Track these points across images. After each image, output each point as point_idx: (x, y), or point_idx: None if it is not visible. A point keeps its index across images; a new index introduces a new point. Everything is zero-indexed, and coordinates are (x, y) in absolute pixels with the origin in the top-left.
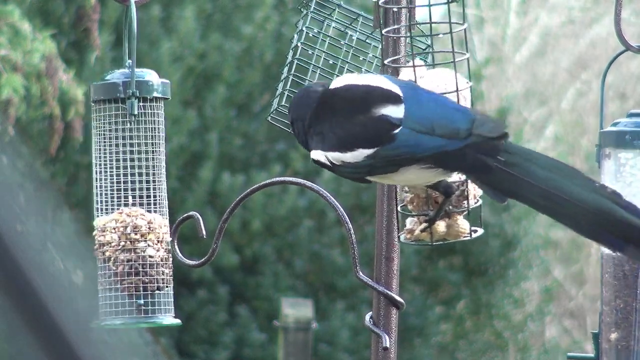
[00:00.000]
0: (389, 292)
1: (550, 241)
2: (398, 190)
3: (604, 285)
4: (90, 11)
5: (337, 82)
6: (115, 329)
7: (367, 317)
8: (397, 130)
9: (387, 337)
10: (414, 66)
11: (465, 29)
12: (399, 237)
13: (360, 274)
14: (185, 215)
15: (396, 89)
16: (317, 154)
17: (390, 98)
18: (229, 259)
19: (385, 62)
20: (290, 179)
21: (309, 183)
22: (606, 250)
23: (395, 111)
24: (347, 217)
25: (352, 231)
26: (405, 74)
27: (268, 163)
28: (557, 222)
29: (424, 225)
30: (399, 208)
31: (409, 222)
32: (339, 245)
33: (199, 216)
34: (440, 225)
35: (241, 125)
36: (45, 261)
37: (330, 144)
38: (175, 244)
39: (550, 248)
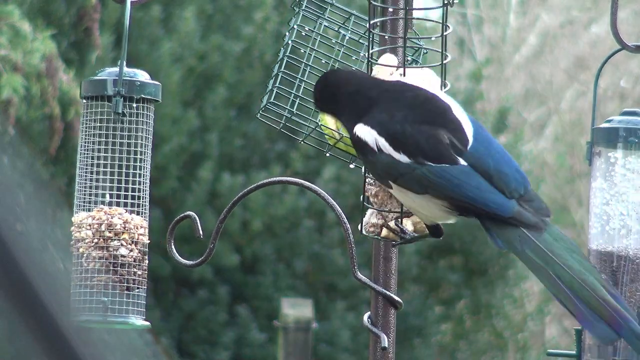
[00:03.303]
0: (387, 292)
1: None
2: (366, 182)
3: None
4: (91, 11)
5: (417, 77)
6: (115, 329)
7: (366, 317)
8: (452, 161)
9: (385, 337)
10: (404, 66)
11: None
12: (361, 229)
13: (359, 274)
14: (182, 215)
15: (468, 123)
16: (364, 131)
17: (460, 130)
18: (229, 259)
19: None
20: (290, 179)
21: (307, 183)
22: (593, 246)
23: (460, 143)
24: (345, 217)
25: (350, 231)
26: (384, 71)
27: (268, 163)
28: (545, 287)
29: (393, 234)
30: (363, 200)
31: (370, 214)
32: (339, 246)
33: (196, 216)
34: (408, 224)
35: (241, 125)
36: (46, 261)
37: (391, 133)
38: (172, 244)
39: None
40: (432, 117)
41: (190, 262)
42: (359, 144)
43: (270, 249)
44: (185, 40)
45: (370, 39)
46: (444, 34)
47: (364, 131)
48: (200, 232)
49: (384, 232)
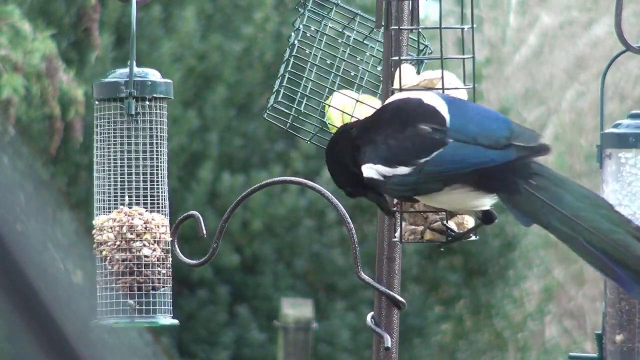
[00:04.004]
0: (391, 292)
1: (550, 241)
2: None
3: (608, 287)
4: (91, 11)
5: (393, 97)
6: (115, 329)
7: (369, 317)
8: (440, 144)
9: (389, 337)
10: (418, 59)
11: (463, 31)
12: (400, 237)
13: (362, 274)
14: (186, 214)
15: (441, 103)
16: (367, 169)
17: (436, 112)
18: (229, 259)
19: (391, 59)
20: (292, 178)
21: (311, 183)
22: None
23: (439, 126)
24: (348, 217)
25: (353, 231)
26: (407, 71)
27: (268, 163)
28: (576, 254)
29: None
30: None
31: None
32: (339, 245)
33: (199, 215)
34: (451, 224)
35: (241, 125)
36: (46, 261)
37: (380, 157)
38: (176, 243)
39: (550, 248)
40: (408, 118)
41: (194, 262)
42: (371, 183)
43: (270, 249)
44: (185, 40)
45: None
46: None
47: (366, 170)
48: (204, 231)
49: (428, 235)
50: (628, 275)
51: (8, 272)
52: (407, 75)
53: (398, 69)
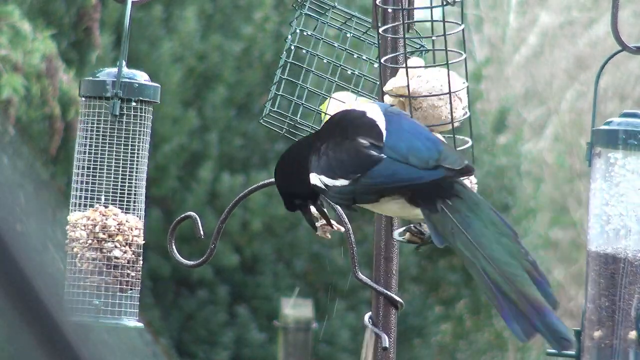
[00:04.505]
0: (388, 292)
1: (550, 241)
2: None
3: (589, 283)
4: (91, 11)
5: (339, 110)
6: (115, 329)
7: (366, 317)
8: (376, 160)
9: (386, 337)
10: (406, 67)
11: (463, 30)
12: (399, 234)
13: (359, 274)
14: (183, 215)
15: (381, 118)
16: (313, 178)
17: (374, 127)
18: (229, 259)
19: (382, 60)
20: None
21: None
22: (593, 248)
23: (376, 141)
24: (346, 217)
25: (351, 231)
26: (402, 74)
27: (268, 163)
28: (475, 279)
29: (414, 237)
30: None
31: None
32: (338, 246)
33: (197, 216)
34: (425, 227)
35: (241, 125)
36: (46, 261)
37: (323, 167)
38: (173, 244)
39: (550, 248)
40: (349, 130)
41: (192, 262)
42: (317, 190)
43: (270, 249)
44: (186, 40)
45: (381, 42)
46: (451, 32)
47: (313, 178)
48: (202, 232)
49: (408, 235)
50: (511, 311)
51: (8, 272)
52: (402, 76)
53: (400, 70)
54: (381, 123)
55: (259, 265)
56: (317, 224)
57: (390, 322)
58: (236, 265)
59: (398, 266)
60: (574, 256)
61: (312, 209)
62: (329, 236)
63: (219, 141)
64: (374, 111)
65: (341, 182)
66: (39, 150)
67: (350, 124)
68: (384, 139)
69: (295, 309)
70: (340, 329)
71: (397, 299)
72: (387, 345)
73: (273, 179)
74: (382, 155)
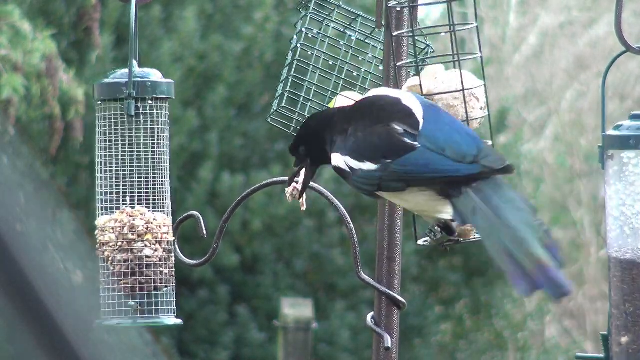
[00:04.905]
0: (391, 292)
1: None
2: None
3: (612, 288)
4: (91, 11)
5: (371, 92)
6: (115, 329)
7: (369, 317)
8: (409, 147)
9: (389, 337)
10: (417, 65)
11: (469, 29)
12: (415, 239)
13: (362, 274)
14: (186, 214)
15: (418, 107)
16: (336, 158)
17: (411, 115)
18: (229, 259)
19: (398, 64)
20: None
21: (311, 183)
22: (613, 254)
23: (412, 128)
24: (348, 217)
25: (353, 231)
26: (422, 75)
27: (268, 163)
28: (489, 250)
29: (431, 240)
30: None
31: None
32: (339, 245)
33: (200, 216)
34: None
35: (241, 125)
36: (46, 261)
37: (350, 149)
38: (176, 243)
39: None
40: (382, 115)
41: (195, 262)
42: (339, 172)
43: (270, 249)
44: (186, 40)
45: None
46: (456, 30)
47: (335, 159)
48: (205, 231)
49: (429, 240)
50: (518, 273)
51: (8, 272)
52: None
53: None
54: (418, 111)
55: (259, 265)
56: (293, 184)
57: (393, 322)
58: (236, 265)
59: (401, 266)
60: (574, 256)
61: (303, 170)
62: (290, 199)
63: (219, 141)
64: (410, 99)
65: (368, 165)
66: (39, 150)
67: (383, 109)
68: (421, 127)
69: (295, 309)
70: (340, 329)
71: (400, 299)
72: (390, 346)
73: (274, 179)
74: (417, 143)
